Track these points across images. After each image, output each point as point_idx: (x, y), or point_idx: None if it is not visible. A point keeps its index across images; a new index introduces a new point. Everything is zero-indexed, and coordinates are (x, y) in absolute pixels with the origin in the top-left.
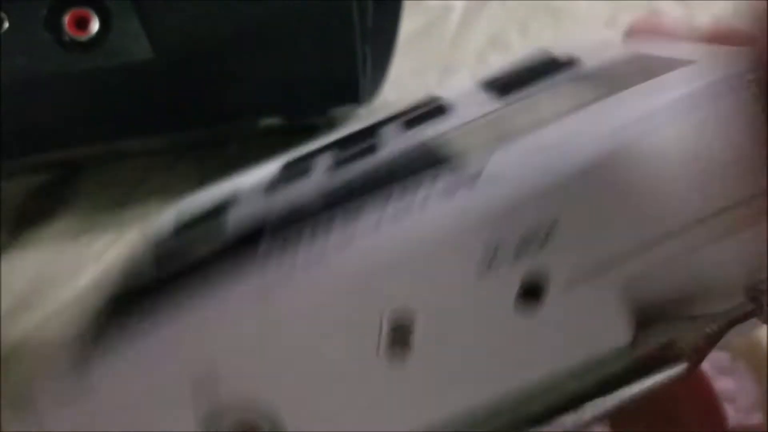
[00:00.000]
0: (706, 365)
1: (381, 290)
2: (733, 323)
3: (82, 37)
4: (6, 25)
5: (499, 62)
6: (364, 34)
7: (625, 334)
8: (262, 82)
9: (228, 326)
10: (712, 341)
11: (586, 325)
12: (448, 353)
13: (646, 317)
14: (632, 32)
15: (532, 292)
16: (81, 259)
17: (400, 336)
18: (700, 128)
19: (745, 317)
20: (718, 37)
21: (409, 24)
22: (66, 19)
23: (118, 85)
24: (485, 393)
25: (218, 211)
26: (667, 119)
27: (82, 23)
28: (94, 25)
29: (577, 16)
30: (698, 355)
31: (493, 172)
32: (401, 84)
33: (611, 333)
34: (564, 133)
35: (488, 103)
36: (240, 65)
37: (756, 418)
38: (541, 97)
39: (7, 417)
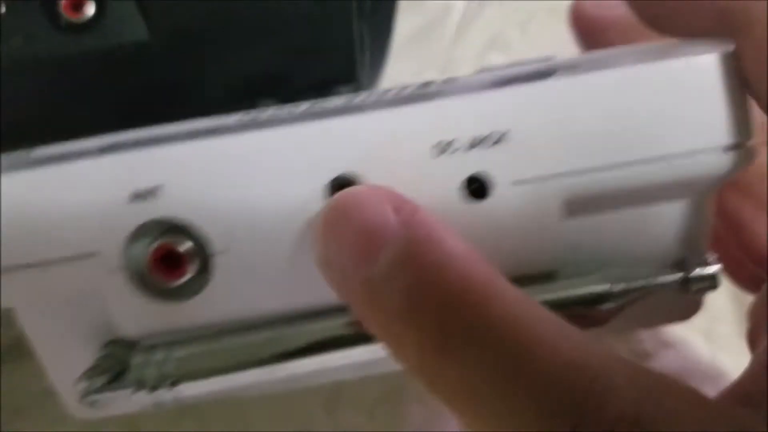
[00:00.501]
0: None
1: (339, 151)
2: (648, 291)
3: (78, 19)
4: (2, 8)
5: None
6: (360, 12)
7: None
8: (260, 64)
9: (184, 151)
10: (620, 302)
11: (520, 230)
12: None
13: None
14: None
15: (478, 189)
16: None
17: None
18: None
19: (662, 289)
20: None
21: (409, 23)
22: (62, 1)
23: (113, 67)
24: None
25: None
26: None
27: (78, 5)
28: (90, 8)
29: None
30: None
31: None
32: (401, 83)
33: (543, 240)
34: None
35: None
36: (236, 47)
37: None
38: None
39: (8, 417)
